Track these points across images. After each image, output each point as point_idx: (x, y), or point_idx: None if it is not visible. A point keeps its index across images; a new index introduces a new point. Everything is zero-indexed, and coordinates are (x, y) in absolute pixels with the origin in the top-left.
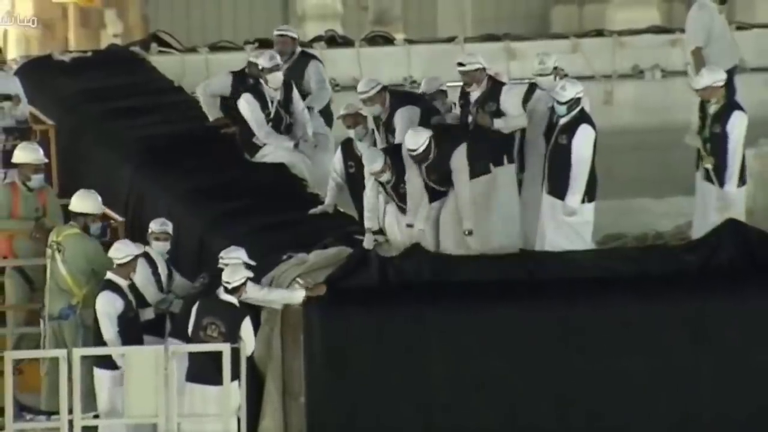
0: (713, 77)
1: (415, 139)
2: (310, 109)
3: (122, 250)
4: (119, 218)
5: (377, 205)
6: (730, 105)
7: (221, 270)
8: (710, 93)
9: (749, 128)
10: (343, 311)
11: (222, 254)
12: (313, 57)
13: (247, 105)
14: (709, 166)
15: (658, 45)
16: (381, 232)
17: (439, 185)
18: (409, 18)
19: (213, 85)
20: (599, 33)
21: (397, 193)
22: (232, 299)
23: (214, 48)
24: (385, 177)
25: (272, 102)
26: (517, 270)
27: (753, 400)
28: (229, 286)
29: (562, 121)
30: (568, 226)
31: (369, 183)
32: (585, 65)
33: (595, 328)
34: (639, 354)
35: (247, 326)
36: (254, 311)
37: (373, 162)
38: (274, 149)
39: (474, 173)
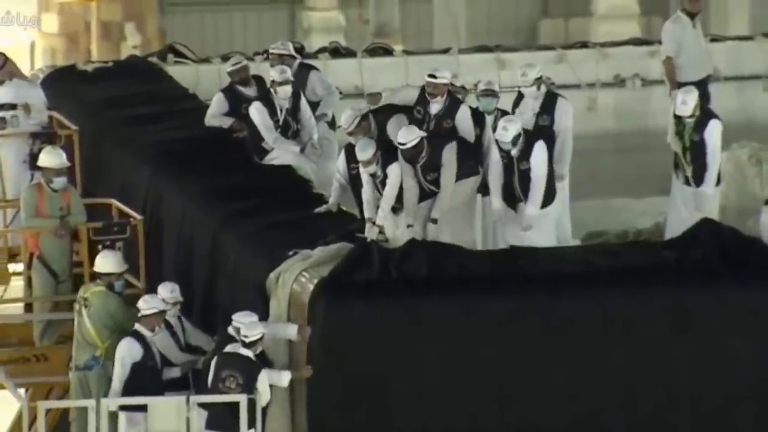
0: (695, 99)
1: (407, 135)
2: (324, 115)
3: (148, 302)
4: (138, 216)
5: (374, 198)
6: (707, 114)
7: (229, 335)
8: (695, 111)
9: (723, 133)
10: (346, 302)
11: (234, 317)
12: (312, 67)
13: (257, 112)
14: (689, 174)
15: (638, 56)
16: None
17: (436, 186)
18: (407, 31)
19: (212, 110)
20: (584, 45)
21: (384, 186)
22: (249, 353)
23: (226, 58)
24: (372, 169)
25: (281, 110)
26: (508, 265)
27: (726, 385)
28: (247, 340)
29: (515, 152)
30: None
31: (365, 177)
32: (570, 74)
33: (580, 319)
34: (621, 342)
35: (263, 378)
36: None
37: (363, 150)
38: (281, 153)
39: (464, 173)
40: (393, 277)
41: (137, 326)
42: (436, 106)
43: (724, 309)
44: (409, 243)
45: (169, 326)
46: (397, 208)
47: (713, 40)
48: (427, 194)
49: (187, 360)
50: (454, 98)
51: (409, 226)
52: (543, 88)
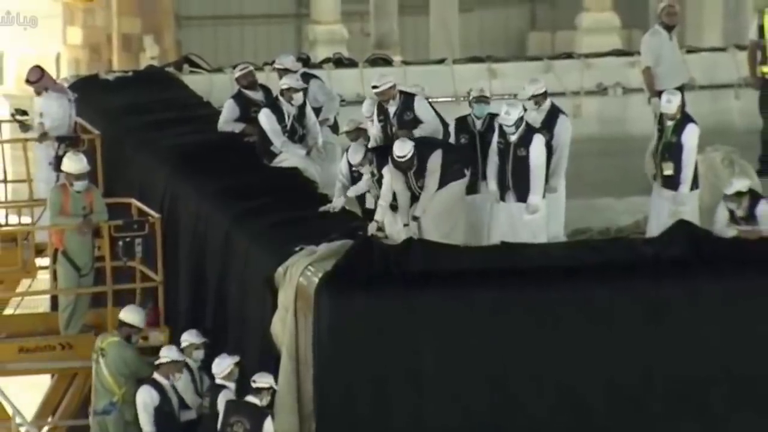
0: (679, 100)
1: (402, 148)
2: (326, 120)
3: (163, 352)
4: (156, 215)
5: (374, 196)
6: (685, 118)
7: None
8: (677, 112)
9: (698, 138)
10: (348, 294)
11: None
12: (313, 76)
13: (266, 118)
14: (669, 171)
15: (620, 66)
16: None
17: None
18: (405, 43)
19: (224, 116)
20: (569, 55)
21: (380, 185)
22: (256, 401)
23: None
24: (366, 170)
25: (288, 116)
26: (500, 259)
27: (700, 369)
28: (254, 385)
29: (514, 138)
30: (534, 222)
31: (365, 177)
32: (557, 83)
33: (566, 310)
34: (602, 330)
35: (268, 424)
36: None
37: (355, 154)
38: (289, 156)
39: (451, 177)
40: (392, 271)
41: (155, 374)
42: (392, 108)
43: (697, 300)
44: (407, 241)
45: (189, 371)
46: (395, 206)
47: (689, 51)
48: (417, 197)
49: (200, 403)
50: (407, 95)
51: (405, 225)
52: (547, 104)
